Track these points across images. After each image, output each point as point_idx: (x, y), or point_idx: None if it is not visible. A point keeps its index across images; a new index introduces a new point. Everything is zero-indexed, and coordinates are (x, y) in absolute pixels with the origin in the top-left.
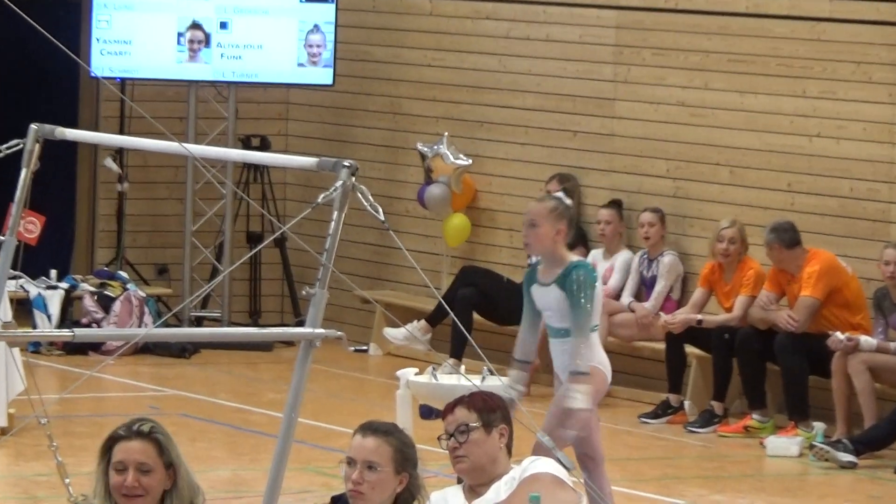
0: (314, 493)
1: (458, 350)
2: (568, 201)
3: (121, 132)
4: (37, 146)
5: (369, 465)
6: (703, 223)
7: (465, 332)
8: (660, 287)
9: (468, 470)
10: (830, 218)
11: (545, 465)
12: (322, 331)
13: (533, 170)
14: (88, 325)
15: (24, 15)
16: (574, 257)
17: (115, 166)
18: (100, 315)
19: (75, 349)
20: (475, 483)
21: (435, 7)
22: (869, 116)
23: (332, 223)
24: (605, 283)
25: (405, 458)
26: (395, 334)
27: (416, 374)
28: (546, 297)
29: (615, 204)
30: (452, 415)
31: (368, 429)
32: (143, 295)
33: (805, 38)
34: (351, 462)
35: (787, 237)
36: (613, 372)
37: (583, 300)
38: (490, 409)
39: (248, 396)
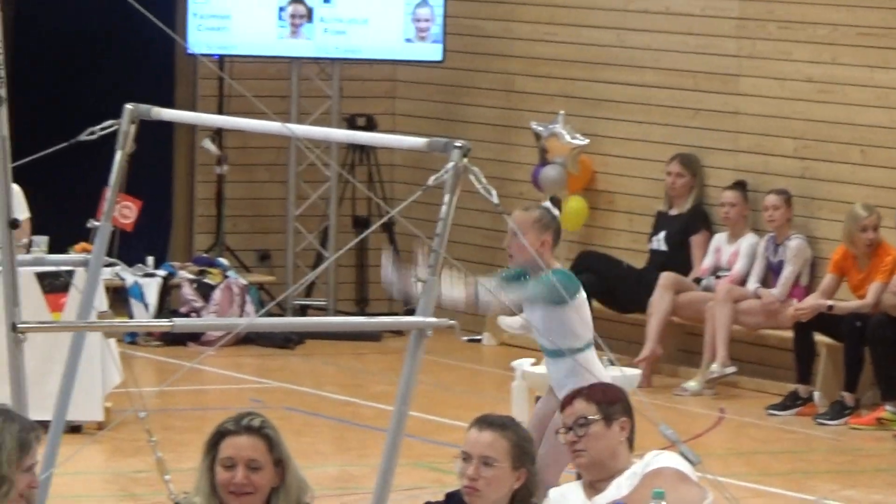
0: (426, 489)
1: None
2: (555, 212)
3: (219, 112)
4: (132, 127)
5: (485, 461)
6: (833, 205)
7: None
8: (787, 272)
9: (587, 465)
10: None
11: (669, 459)
12: (434, 319)
13: (653, 150)
14: (187, 315)
15: None
16: (558, 265)
17: (213, 148)
18: (199, 304)
19: (174, 340)
20: (595, 478)
21: None
22: None
23: (444, 207)
24: (729, 268)
25: (523, 452)
26: (510, 323)
27: (533, 364)
28: (532, 316)
29: (739, 185)
30: (571, 407)
31: (484, 422)
32: (245, 283)
33: None
34: (466, 457)
35: None
36: (739, 361)
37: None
38: (610, 401)
39: (356, 389)
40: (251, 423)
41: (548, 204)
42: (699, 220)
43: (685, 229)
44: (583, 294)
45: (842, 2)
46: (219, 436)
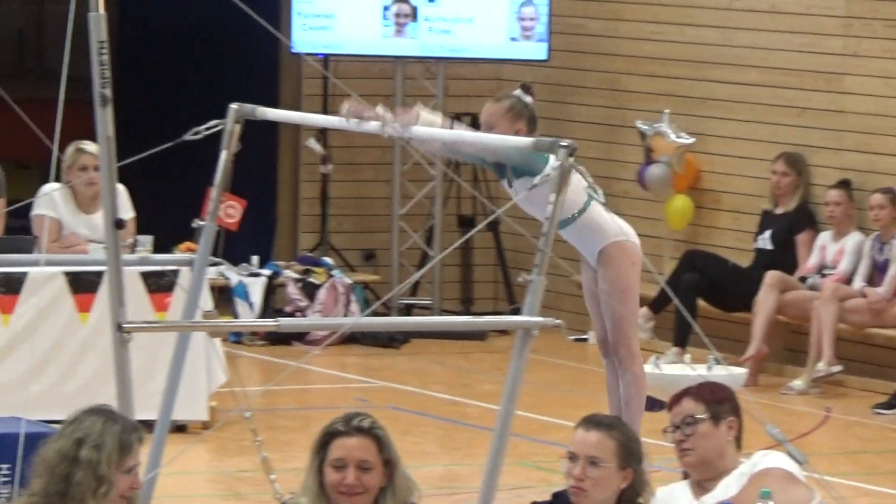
0: (532, 489)
1: (682, 338)
2: (527, 99)
3: (324, 111)
4: (237, 127)
5: (592, 461)
6: None
7: (690, 318)
8: (893, 271)
9: (695, 464)
10: None
11: (776, 459)
12: (540, 319)
13: (758, 148)
14: (292, 314)
15: None
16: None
17: (318, 147)
18: (304, 303)
19: (278, 339)
20: (702, 478)
21: None
22: None
23: (550, 206)
24: (834, 266)
25: (629, 452)
26: None
27: None
28: (519, 197)
29: (844, 184)
30: (678, 406)
31: (591, 422)
32: (350, 282)
33: None
34: (573, 457)
35: None
36: (845, 360)
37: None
38: (718, 400)
39: (462, 388)
40: (361, 423)
41: (518, 92)
42: (805, 219)
43: (791, 228)
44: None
45: None
46: (329, 436)
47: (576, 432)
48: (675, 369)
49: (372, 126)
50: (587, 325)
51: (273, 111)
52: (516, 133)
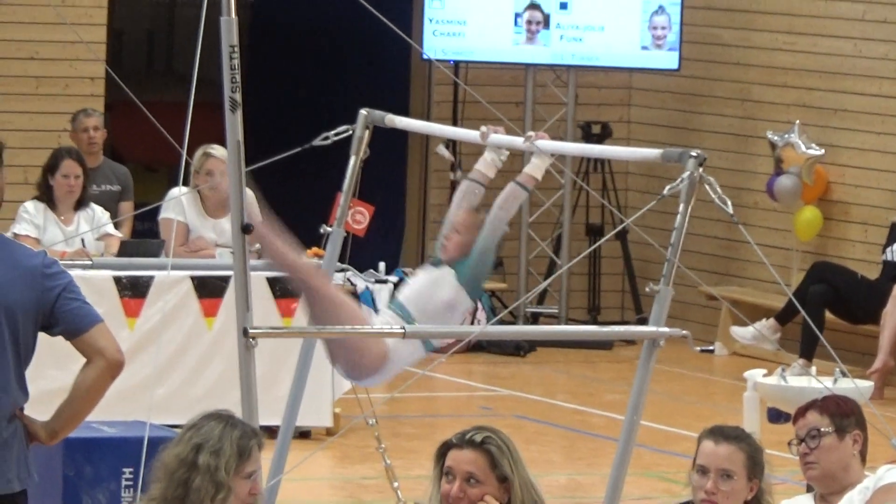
0: (655, 499)
1: (808, 350)
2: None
3: (454, 118)
4: (367, 133)
5: (724, 474)
6: None
7: (817, 331)
8: None
9: (819, 477)
10: None
11: None
12: (666, 329)
13: (889, 160)
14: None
15: None
16: None
17: (447, 154)
18: None
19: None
20: (826, 491)
21: None
22: None
23: (679, 216)
24: None
25: (755, 463)
26: (742, 333)
27: (765, 375)
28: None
29: None
30: (804, 419)
31: (720, 434)
32: None
33: None
34: (703, 470)
35: None
36: None
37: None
38: (844, 413)
39: (587, 397)
40: (473, 437)
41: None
42: None
43: None
44: None
45: None
46: (444, 448)
47: (703, 444)
48: (800, 381)
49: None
50: (713, 335)
51: (402, 119)
52: None
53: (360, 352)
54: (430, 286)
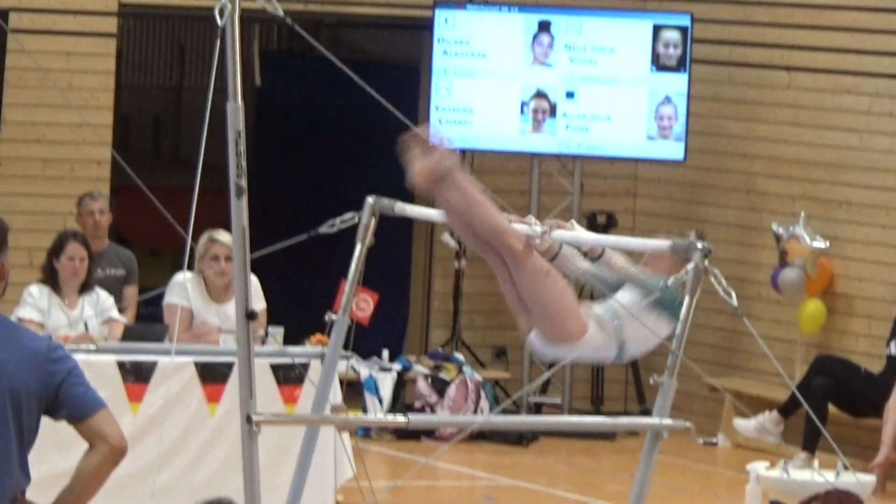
0: None
1: (811, 443)
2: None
3: None
4: (373, 220)
5: None
6: None
7: (820, 424)
8: None
9: None
10: None
11: None
12: (670, 421)
13: (894, 254)
14: (421, 410)
15: (360, 82)
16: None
17: (452, 242)
18: (433, 399)
19: (407, 434)
20: None
21: (793, 80)
22: None
23: (683, 308)
24: None
25: None
26: (745, 425)
27: (767, 467)
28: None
29: None
30: None
31: None
32: (480, 379)
33: None
34: None
35: None
36: None
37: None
38: None
39: (589, 488)
40: None
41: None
42: None
43: None
44: None
45: None
46: None
47: None
48: (803, 475)
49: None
50: (715, 427)
51: (411, 207)
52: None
53: (563, 320)
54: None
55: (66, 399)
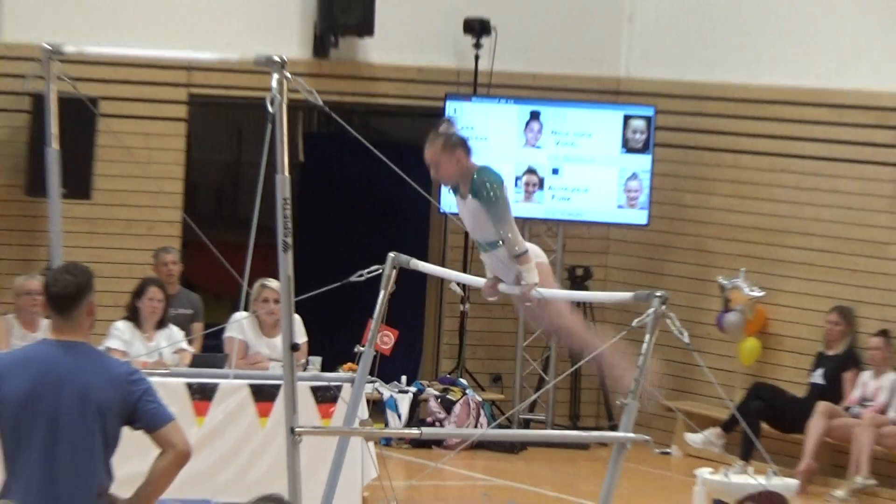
0: None
1: (747, 453)
2: (452, 129)
3: (464, 261)
4: (394, 272)
5: None
6: None
7: (754, 438)
8: None
9: None
10: None
11: None
12: (632, 435)
13: (816, 302)
14: (432, 424)
15: (384, 158)
16: (477, 164)
17: (459, 290)
18: (442, 415)
19: (420, 444)
20: None
21: (738, 161)
22: None
23: (645, 344)
24: (873, 399)
25: None
26: (694, 438)
27: (711, 473)
28: (464, 212)
29: (884, 333)
30: None
31: None
32: (480, 399)
33: None
34: None
35: None
36: (878, 475)
37: (493, 196)
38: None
39: (567, 488)
40: None
41: (444, 126)
42: (851, 361)
43: (839, 367)
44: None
45: None
46: None
47: None
48: (740, 479)
49: (505, 290)
50: (670, 440)
51: (423, 264)
52: (458, 162)
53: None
54: None
55: (142, 413)
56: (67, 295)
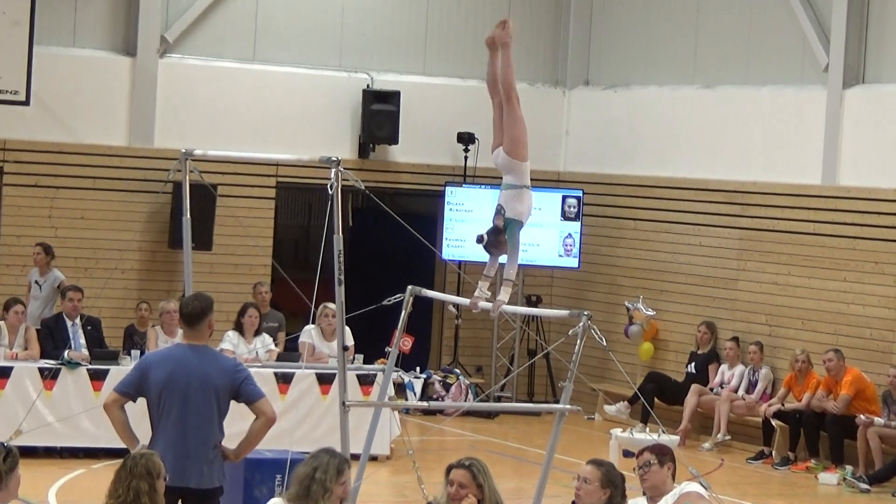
0: (559, 497)
1: (645, 419)
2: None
3: (458, 290)
4: (411, 298)
5: (584, 480)
6: (786, 351)
7: (650, 408)
8: (759, 387)
9: (649, 488)
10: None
11: (693, 486)
12: (569, 406)
13: (690, 318)
14: (437, 399)
15: (404, 224)
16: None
17: (453, 310)
18: (443, 393)
19: (429, 412)
20: (653, 496)
21: (637, 225)
22: None
23: (576, 346)
24: (729, 382)
25: (610, 480)
26: (610, 409)
27: (622, 432)
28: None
29: (735, 339)
30: (642, 456)
31: (594, 462)
32: (468, 382)
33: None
34: (578, 478)
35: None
36: (733, 433)
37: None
38: (663, 453)
39: (526, 441)
40: (463, 462)
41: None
42: (713, 357)
43: (706, 361)
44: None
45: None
46: (449, 468)
47: (582, 467)
48: (641, 436)
49: (482, 306)
50: (594, 410)
51: (430, 292)
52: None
53: (520, 143)
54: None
55: (244, 392)
56: (195, 314)
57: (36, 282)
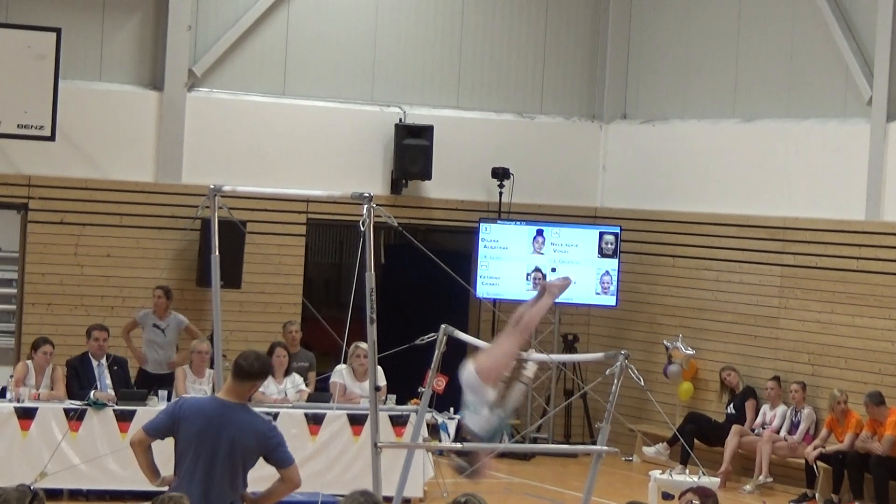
0: None
1: (684, 460)
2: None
3: (492, 330)
4: (444, 338)
5: None
6: (825, 391)
7: (689, 449)
8: (802, 427)
9: None
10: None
11: None
12: (606, 447)
13: (730, 357)
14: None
15: (437, 261)
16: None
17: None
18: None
19: (463, 453)
20: None
21: (676, 263)
22: None
23: (613, 386)
24: (771, 423)
25: None
26: (648, 450)
27: (660, 473)
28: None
29: (776, 378)
30: (684, 497)
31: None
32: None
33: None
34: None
35: (876, 399)
36: (774, 475)
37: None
38: (706, 494)
39: (562, 483)
40: (458, 500)
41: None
42: (750, 393)
43: (744, 401)
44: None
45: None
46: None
47: None
48: (680, 477)
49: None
50: (633, 451)
51: (462, 334)
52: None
53: (497, 366)
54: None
55: (276, 458)
56: (250, 373)
57: (156, 325)
